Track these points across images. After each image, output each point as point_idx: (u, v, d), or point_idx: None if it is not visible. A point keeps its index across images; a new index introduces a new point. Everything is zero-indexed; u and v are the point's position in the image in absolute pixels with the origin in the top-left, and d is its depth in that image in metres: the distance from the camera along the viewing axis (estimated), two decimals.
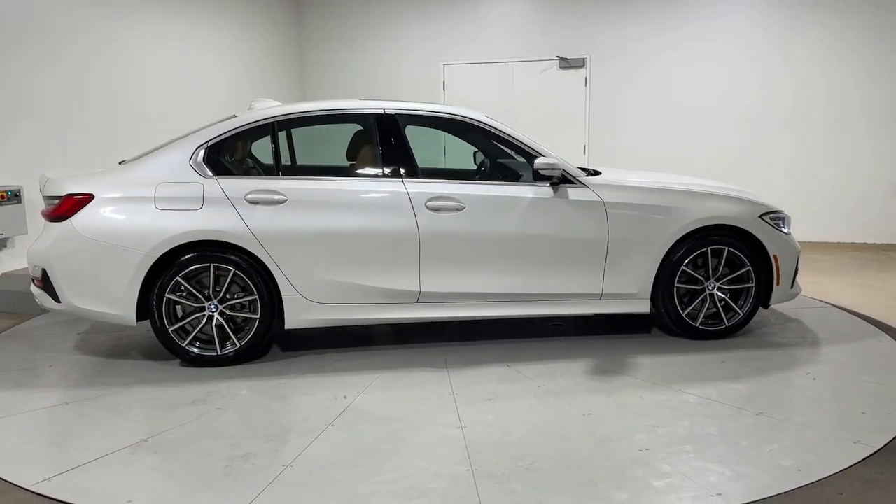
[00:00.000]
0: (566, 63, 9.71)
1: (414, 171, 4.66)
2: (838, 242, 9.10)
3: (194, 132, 4.60)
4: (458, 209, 4.55)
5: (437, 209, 4.53)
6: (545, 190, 4.67)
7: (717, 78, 9.34)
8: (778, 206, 5.02)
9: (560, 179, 4.67)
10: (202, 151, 4.51)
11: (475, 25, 10.24)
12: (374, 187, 4.57)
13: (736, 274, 4.85)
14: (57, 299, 4.41)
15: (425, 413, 3.75)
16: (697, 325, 4.88)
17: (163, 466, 3.19)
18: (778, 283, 4.91)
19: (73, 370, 4.49)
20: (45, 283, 4.41)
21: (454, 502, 2.85)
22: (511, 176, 4.93)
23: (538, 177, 4.68)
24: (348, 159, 5.01)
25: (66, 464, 3.20)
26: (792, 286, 5.02)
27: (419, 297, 4.60)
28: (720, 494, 2.88)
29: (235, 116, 4.70)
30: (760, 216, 4.86)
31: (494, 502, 2.84)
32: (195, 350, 4.46)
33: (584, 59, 9.76)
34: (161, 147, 4.64)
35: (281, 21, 10.58)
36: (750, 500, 2.84)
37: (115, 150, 6.69)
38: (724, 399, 3.88)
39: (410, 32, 10.56)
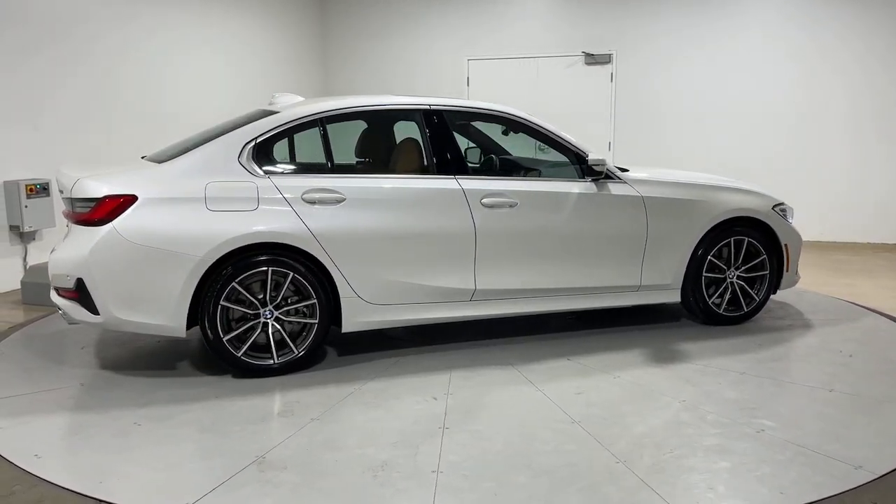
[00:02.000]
0: (592, 59, 9.61)
1: (464, 168, 4.62)
2: (855, 242, 8.93)
3: (237, 128, 4.32)
4: (510, 206, 4.57)
5: (492, 206, 4.53)
6: (589, 185, 4.78)
7: (745, 74, 9.13)
8: (783, 199, 5.40)
9: (603, 176, 4.80)
10: (251, 148, 4.25)
11: (500, 20, 10.10)
12: (431, 185, 4.48)
13: (753, 263, 5.18)
14: (95, 311, 4.00)
15: (527, 409, 3.75)
16: (721, 311, 5.17)
17: (307, 482, 3.00)
18: (787, 270, 5.29)
19: (116, 385, 4.08)
20: (82, 293, 3.99)
21: (632, 490, 2.89)
22: (558, 173, 4.95)
23: (583, 173, 4.78)
24: (394, 156, 4.86)
25: (201, 488, 2.94)
26: (795, 273, 5.42)
27: (473, 295, 4.57)
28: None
29: (271, 111, 4.46)
30: (773, 208, 5.21)
31: (675, 491, 2.91)
32: (250, 360, 4.19)
33: (610, 55, 9.61)
34: (198, 143, 4.33)
35: (305, 15, 10.50)
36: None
37: (139, 145, 6.48)
38: (802, 381, 4.15)
39: (434, 27, 10.43)
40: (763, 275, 5.22)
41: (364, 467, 3.12)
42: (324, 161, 4.47)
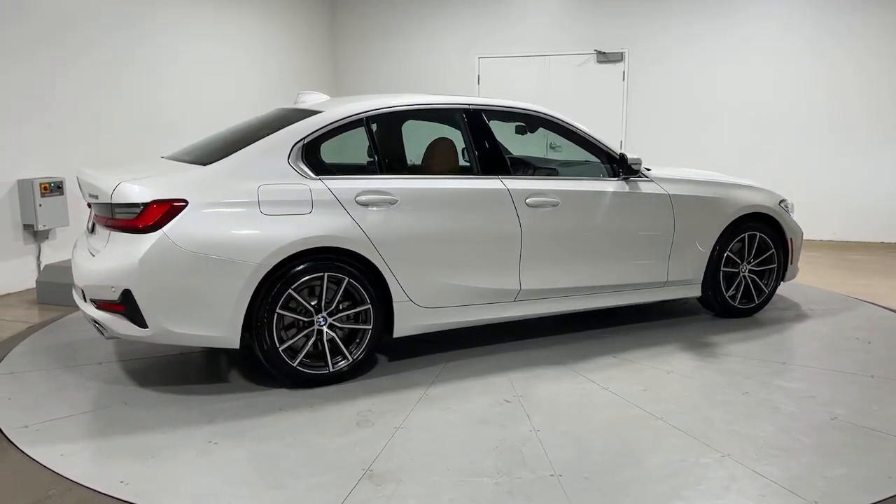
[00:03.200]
0: (604, 57, 9.50)
1: (507, 168, 4.60)
2: (870, 242, 8.85)
3: (271, 127, 4.16)
4: (553, 205, 4.58)
5: (535, 206, 4.53)
6: (621, 184, 4.86)
7: (762, 72, 8.95)
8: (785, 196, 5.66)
9: (636, 174, 4.89)
10: (299, 149, 4.08)
11: (511, 18, 9.94)
12: (479, 186, 4.44)
13: (764, 256, 5.41)
14: (143, 325, 3.73)
15: (603, 408, 3.78)
16: (737, 304, 5.37)
17: (433, 494, 2.91)
18: (791, 263, 5.55)
19: (163, 403, 3.81)
20: (128, 306, 3.72)
21: (757, 478, 2.97)
22: (588, 171, 5.00)
23: (614, 172, 4.87)
24: (429, 156, 4.77)
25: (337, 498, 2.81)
26: (797, 265, 5.70)
27: (518, 295, 4.56)
28: None
29: (313, 111, 4.30)
30: (779, 203, 5.46)
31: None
32: (305, 369, 4.03)
33: (622, 53, 9.48)
34: (232, 143, 4.16)
35: (315, 13, 10.38)
36: None
37: (152, 143, 6.62)
38: (840, 369, 4.36)
39: (445, 24, 10.26)
40: (772, 268, 5.45)
41: (480, 475, 3.06)
42: (372, 161, 4.34)
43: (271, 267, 3.84)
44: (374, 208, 4.11)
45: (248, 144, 4.10)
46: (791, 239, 5.50)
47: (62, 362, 4.47)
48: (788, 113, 9.02)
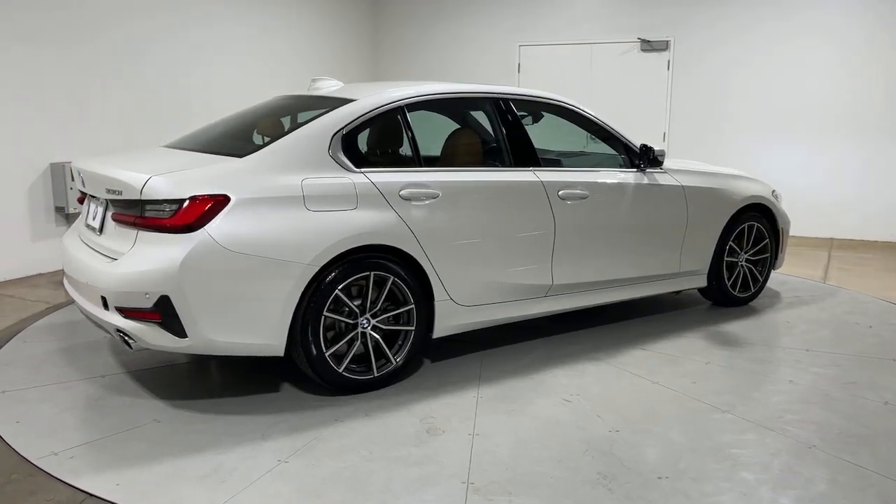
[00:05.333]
0: (648, 45, 9.11)
1: (537, 160, 4.48)
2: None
3: (321, 117, 3.86)
4: (582, 197, 4.51)
5: (566, 198, 4.44)
6: (641, 175, 4.85)
7: (820, 68, 8.42)
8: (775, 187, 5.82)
9: (657, 165, 4.89)
10: (339, 140, 3.80)
11: (553, 5, 9.60)
12: (516, 178, 4.29)
13: (759, 246, 5.55)
14: (181, 334, 3.37)
15: (662, 402, 3.74)
16: (736, 293, 5.49)
17: (549, 503, 2.78)
18: (782, 252, 5.73)
19: (204, 420, 3.46)
20: (166, 314, 3.34)
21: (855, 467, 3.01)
22: (605, 162, 4.95)
23: (632, 163, 4.85)
24: (451, 147, 4.56)
25: None
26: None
27: (549, 290, 4.47)
28: None
29: (347, 99, 4.02)
30: (771, 193, 5.62)
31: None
32: (351, 374, 3.78)
33: (667, 42, 9.09)
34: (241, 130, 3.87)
35: (357, 0, 10.29)
36: None
37: (181, 129, 6.05)
38: (861, 353, 4.52)
39: (486, 12, 9.96)
40: (765, 257, 5.61)
41: (581, 480, 2.95)
42: (409, 153, 4.11)
43: (320, 266, 3.56)
44: (417, 203, 3.89)
45: (254, 132, 3.88)
46: (783, 228, 5.67)
47: (69, 373, 4.00)
48: (847, 113, 8.37)
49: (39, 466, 3.02)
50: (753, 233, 5.48)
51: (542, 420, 3.52)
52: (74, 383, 3.94)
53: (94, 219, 3.88)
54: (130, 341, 3.46)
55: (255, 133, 4.29)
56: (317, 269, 3.54)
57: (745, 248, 5.48)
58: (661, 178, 4.94)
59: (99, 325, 3.67)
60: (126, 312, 3.41)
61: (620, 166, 4.87)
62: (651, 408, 3.68)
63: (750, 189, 5.41)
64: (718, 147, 8.94)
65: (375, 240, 3.73)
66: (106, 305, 3.48)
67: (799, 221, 8.12)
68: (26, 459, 3.08)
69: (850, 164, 8.47)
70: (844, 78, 8.34)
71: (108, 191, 3.58)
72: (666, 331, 4.92)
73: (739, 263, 5.48)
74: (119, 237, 3.57)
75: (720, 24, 8.86)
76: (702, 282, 5.30)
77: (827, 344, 4.68)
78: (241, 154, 3.68)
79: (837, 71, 8.37)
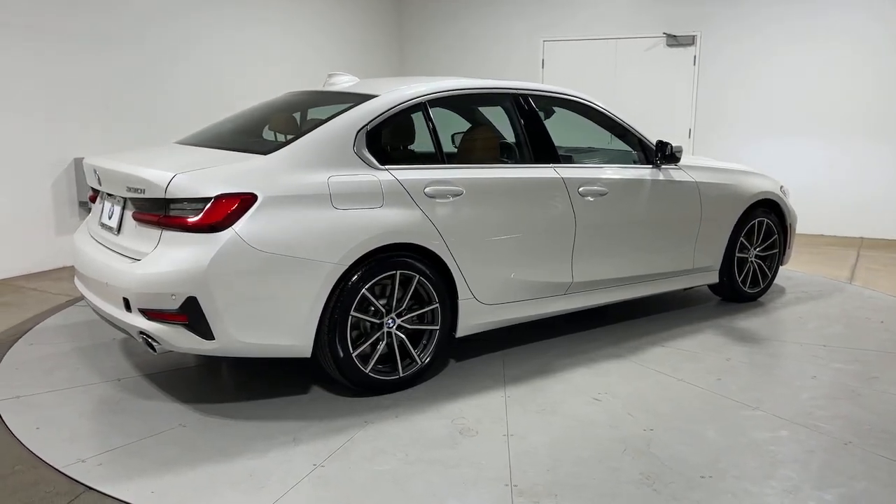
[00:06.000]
0: (674, 40, 8.95)
1: (556, 156, 4.44)
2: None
3: (345, 114, 3.78)
4: (602, 194, 4.48)
5: (586, 195, 4.41)
6: (657, 171, 4.83)
7: (854, 66, 8.21)
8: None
9: (674, 162, 4.88)
10: (363, 136, 3.74)
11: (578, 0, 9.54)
12: (538, 175, 4.25)
13: (769, 242, 5.56)
14: (208, 336, 3.29)
15: (692, 399, 3.73)
16: (746, 289, 5.50)
17: (601, 500, 2.74)
18: (789, 248, 5.76)
19: (232, 426, 3.38)
20: (193, 315, 3.26)
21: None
22: (621, 158, 4.93)
23: (647, 159, 4.83)
24: (469, 143, 4.50)
25: None
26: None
27: (569, 288, 4.44)
28: None
29: (369, 95, 3.95)
30: (780, 189, 5.64)
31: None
32: (378, 375, 3.72)
33: (693, 37, 8.95)
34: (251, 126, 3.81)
35: None
36: None
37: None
38: (877, 348, 4.54)
39: (510, 6, 9.90)
40: (774, 253, 5.63)
41: (625, 480, 2.92)
42: (432, 150, 4.05)
43: (348, 266, 3.50)
44: (441, 200, 3.83)
45: (265, 128, 3.79)
46: (790, 224, 5.69)
47: (83, 376, 3.90)
48: (881, 113, 8.18)
49: (68, 475, 2.93)
50: (763, 228, 5.49)
51: (574, 419, 3.49)
52: (90, 386, 3.84)
53: (110, 217, 3.78)
54: (155, 344, 3.37)
55: (266, 129, 4.22)
56: (345, 268, 3.48)
57: (756, 244, 5.49)
58: (677, 175, 4.93)
59: (118, 326, 3.58)
60: (150, 314, 3.32)
61: (635, 162, 4.85)
62: (680, 405, 3.66)
63: (760, 185, 5.42)
64: (745, 144, 8.87)
65: (402, 238, 3.67)
66: (128, 307, 3.38)
67: (826, 220, 8.33)
68: (54, 468, 2.99)
69: (879, 163, 8.33)
70: (870, 77, 8.21)
71: (129, 189, 3.48)
72: (680, 327, 4.92)
73: (750, 259, 5.49)
74: (140, 237, 3.47)
75: (749, 17, 8.68)
76: (714, 278, 5.30)
77: (842, 339, 4.71)
78: (263, 151, 3.60)
79: (863, 70, 8.25)
